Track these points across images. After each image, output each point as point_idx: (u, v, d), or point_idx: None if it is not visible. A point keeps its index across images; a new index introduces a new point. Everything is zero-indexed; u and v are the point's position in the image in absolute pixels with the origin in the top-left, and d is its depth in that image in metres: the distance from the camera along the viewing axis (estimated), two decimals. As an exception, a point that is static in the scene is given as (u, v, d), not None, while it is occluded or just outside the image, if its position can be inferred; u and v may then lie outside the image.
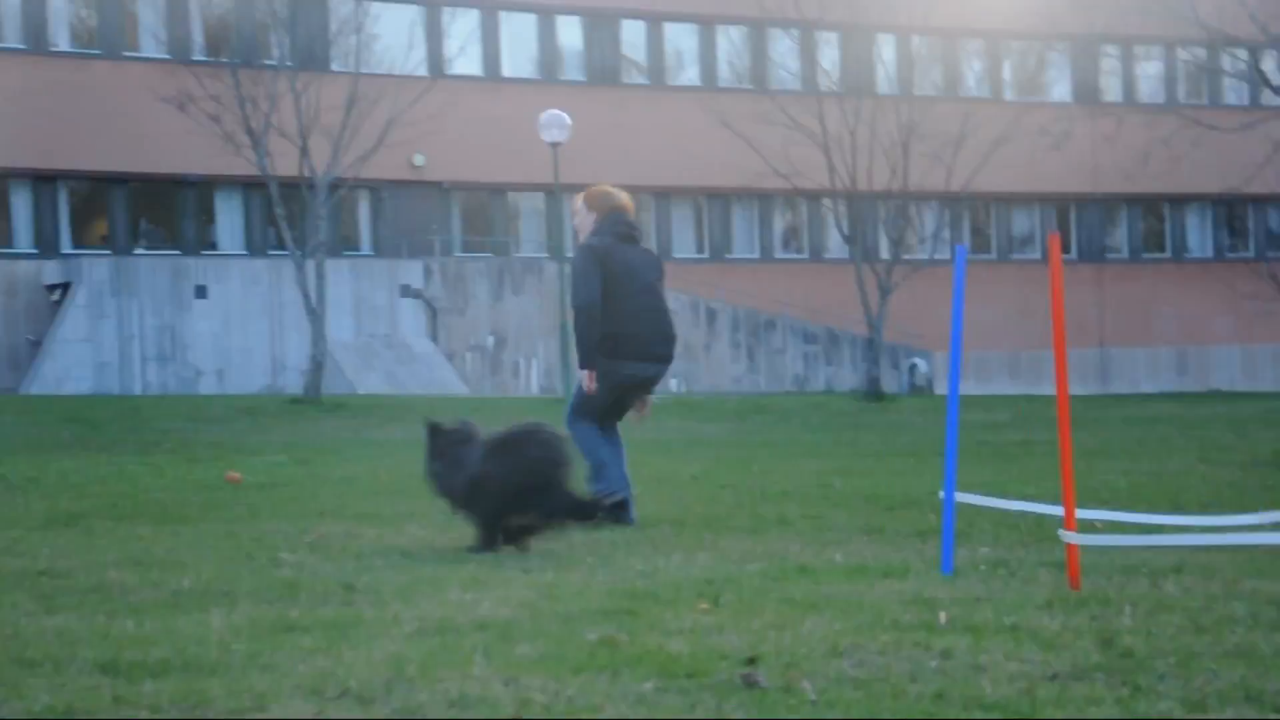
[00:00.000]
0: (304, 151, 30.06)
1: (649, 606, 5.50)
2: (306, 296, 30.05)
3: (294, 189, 30.94)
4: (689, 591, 5.87)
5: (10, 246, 35.59)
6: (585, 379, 8.71)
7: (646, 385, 8.88)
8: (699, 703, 3.98)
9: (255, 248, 37.53)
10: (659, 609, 5.45)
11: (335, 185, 30.95)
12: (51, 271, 35.01)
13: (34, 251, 35.65)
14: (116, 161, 36.02)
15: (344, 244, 37.96)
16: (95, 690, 4.10)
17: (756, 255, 43.28)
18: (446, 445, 7.27)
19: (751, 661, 4.43)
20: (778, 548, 7.43)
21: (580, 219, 8.93)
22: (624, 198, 8.98)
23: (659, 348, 8.81)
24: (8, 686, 4.13)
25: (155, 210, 37.71)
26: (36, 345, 34.51)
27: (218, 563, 6.83)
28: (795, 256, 43.78)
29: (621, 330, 8.65)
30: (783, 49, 42.59)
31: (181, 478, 12.55)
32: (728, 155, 38.28)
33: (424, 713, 3.94)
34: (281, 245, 32.07)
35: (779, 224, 44.02)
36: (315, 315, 29.97)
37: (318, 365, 29.79)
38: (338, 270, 34.40)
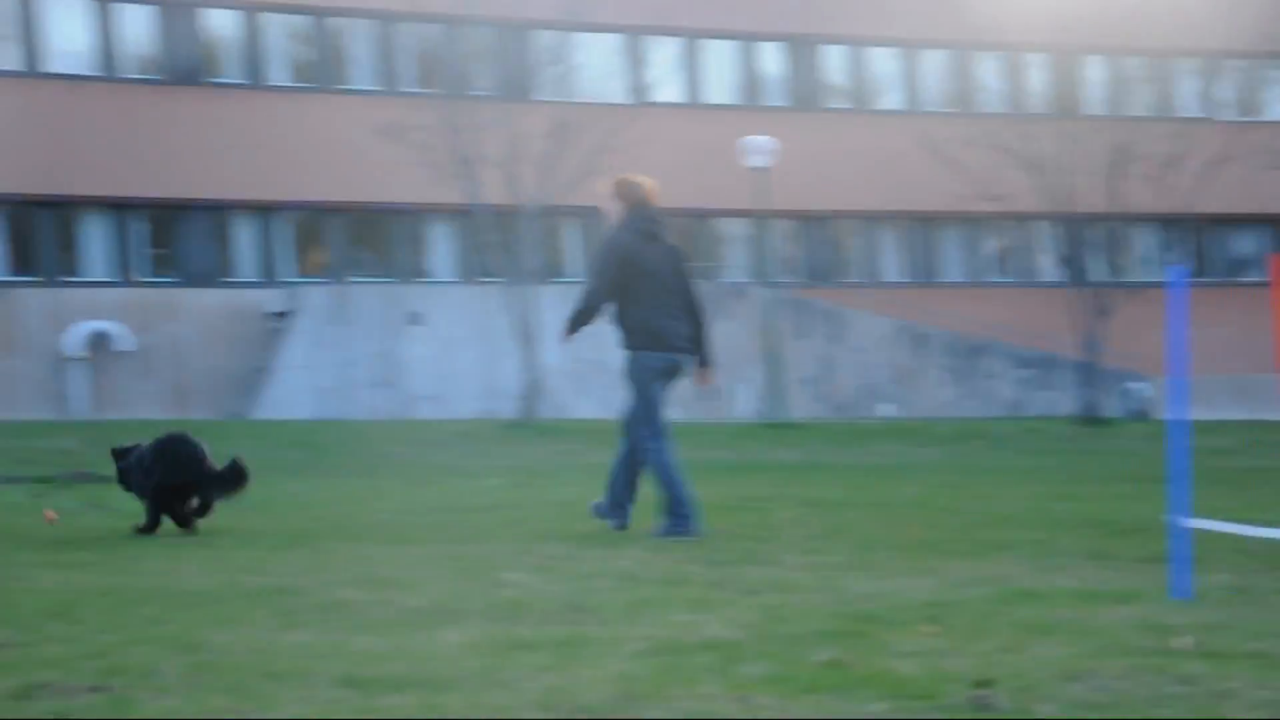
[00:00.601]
0: (512, 180, 30.51)
1: (874, 629, 5.48)
2: (518, 322, 30.49)
3: (504, 216, 31.43)
4: (913, 614, 5.83)
5: (235, 276, 36.74)
6: (563, 334, 9.80)
7: (675, 372, 9.58)
8: (934, 724, 3.97)
9: (467, 275, 38.19)
10: (884, 631, 5.42)
11: (543, 213, 31.35)
12: (274, 300, 36.05)
13: (257, 280, 36.74)
14: (333, 192, 36.94)
15: (553, 270, 38.42)
16: (339, 703, 4.22)
17: (965, 279, 42.75)
18: (128, 458, 9.26)
19: (984, 684, 4.38)
20: (1001, 572, 7.33)
21: (609, 206, 9.63)
22: (650, 187, 9.59)
23: (679, 340, 9.49)
24: (260, 698, 4.28)
25: (371, 239, 38.60)
26: (261, 372, 35.54)
27: (445, 582, 6.95)
28: (1006, 280, 43.13)
29: (646, 326, 9.40)
30: (988, 71, 42.05)
31: (405, 500, 12.80)
32: (934, 179, 37.87)
33: (660, 729, 3.99)
34: (492, 272, 32.58)
35: (988, 247, 43.45)
36: (527, 341, 30.39)
37: (531, 390, 30.17)
38: (548, 296, 34.82)
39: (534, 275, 31.10)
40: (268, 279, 36.71)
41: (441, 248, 38.81)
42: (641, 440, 9.39)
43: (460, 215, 36.55)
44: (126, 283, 35.49)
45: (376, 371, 35.24)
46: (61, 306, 34.54)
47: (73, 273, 35.35)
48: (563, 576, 7.16)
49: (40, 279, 34.83)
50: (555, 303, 36.66)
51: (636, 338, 9.39)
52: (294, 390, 34.68)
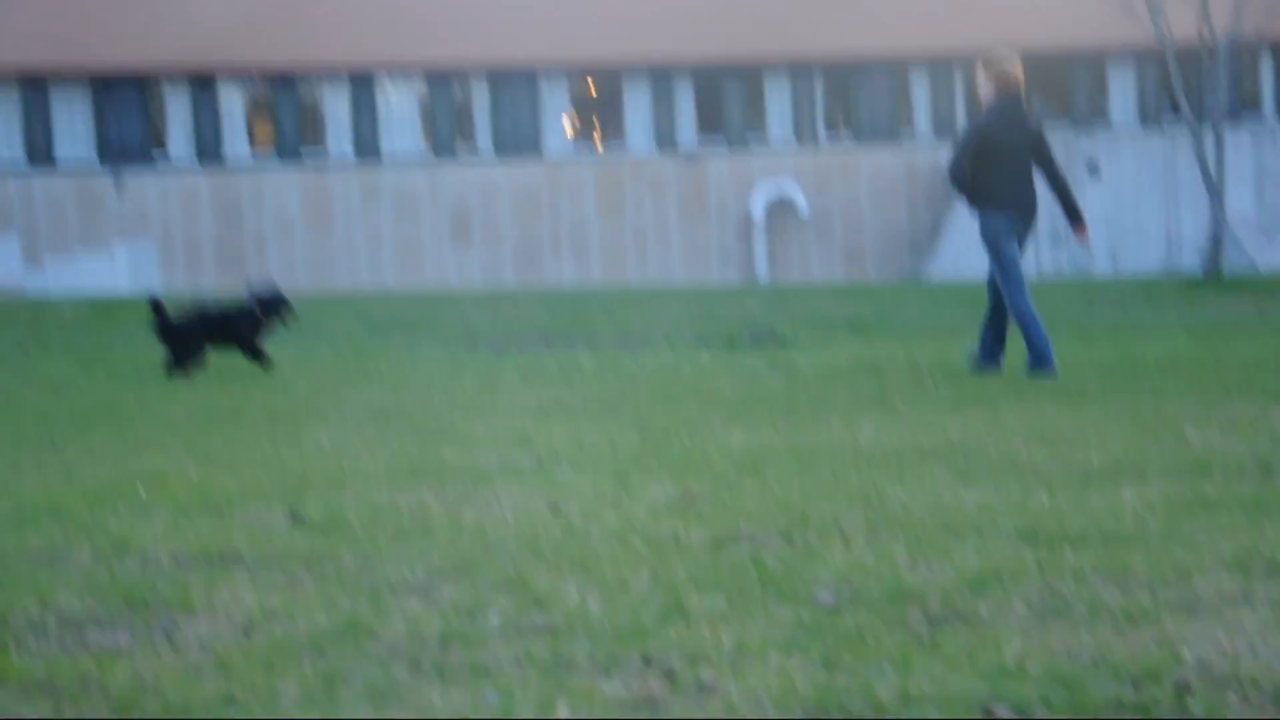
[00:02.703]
0: (1204, 13, 29.01)
1: None
2: (1204, 170, 29.14)
3: (1191, 56, 29.97)
4: None
5: (911, 135, 37.00)
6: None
7: (1018, 230, 10.81)
8: None
9: (1149, 120, 36.78)
10: None
11: (1236, 49, 29.68)
12: (946, 157, 36.08)
13: (932, 138, 36.86)
14: (1009, 37, 36.35)
15: (1245, 111, 36.36)
16: (1018, 558, 4.26)
17: None
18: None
19: None
20: None
21: (981, 86, 10.88)
22: (1013, 67, 10.80)
23: (1019, 204, 10.79)
24: (938, 550, 4.38)
25: (1047, 85, 37.82)
26: (935, 232, 35.77)
27: (1123, 439, 6.83)
28: None
29: (996, 192, 10.74)
30: None
31: (1080, 358, 12.61)
32: None
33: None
34: (1178, 116, 31.25)
35: None
36: (1214, 189, 29.03)
37: (1216, 242, 28.87)
38: (1237, 140, 33.09)
39: (1223, 117, 29.57)
40: (942, 135, 36.76)
41: (1121, 92, 37.51)
42: (1011, 301, 10.67)
43: (1143, 55, 35.19)
44: (806, 145, 36.50)
45: (1051, 227, 34.71)
46: (746, 171, 35.99)
47: (757, 137, 36.70)
48: (1251, 435, 6.87)
49: (727, 144, 36.38)
50: (1244, 147, 34.83)
51: (980, 199, 10.73)
52: (967, 250, 34.73)
